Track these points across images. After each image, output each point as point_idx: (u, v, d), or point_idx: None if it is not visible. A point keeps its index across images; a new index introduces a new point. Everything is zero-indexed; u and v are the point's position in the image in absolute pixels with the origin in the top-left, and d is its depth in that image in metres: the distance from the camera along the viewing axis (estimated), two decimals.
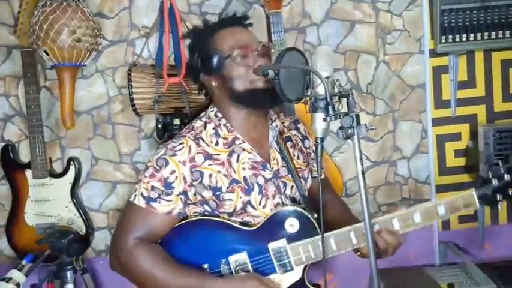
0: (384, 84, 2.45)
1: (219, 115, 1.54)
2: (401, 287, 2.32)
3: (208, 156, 1.48)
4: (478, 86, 2.47)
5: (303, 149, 1.67)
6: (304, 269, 1.48)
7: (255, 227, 1.47)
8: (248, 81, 1.47)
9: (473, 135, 2.45)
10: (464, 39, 2.33)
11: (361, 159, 1.22)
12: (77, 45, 2.03)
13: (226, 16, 1.60)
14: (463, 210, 1.40)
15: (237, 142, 1.51)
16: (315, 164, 1.69)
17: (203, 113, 1.59)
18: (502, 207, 1.39)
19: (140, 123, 2.42)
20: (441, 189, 2.49)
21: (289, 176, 1.55)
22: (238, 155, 1.50)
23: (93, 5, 2.30)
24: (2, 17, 2.34)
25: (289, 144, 1.62)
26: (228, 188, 1.47)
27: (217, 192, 1.46)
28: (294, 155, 1.61)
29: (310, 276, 1.52)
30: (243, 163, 1.49)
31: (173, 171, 1.45)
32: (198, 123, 1.55)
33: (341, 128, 1.23)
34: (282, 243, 1.46)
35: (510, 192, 1.37)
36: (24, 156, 2.34)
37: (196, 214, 1.50)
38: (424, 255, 2.50)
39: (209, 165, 1.47)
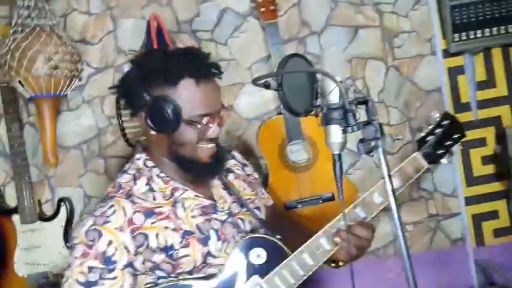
0: (397, 91, 2.36)
1: (150, 164, 1.34)
2: None
3: (148, 213, 1.28)
4: (499, 85, 2.38)
5: (246, 177, 1.52)
6: None
7: (217, 277, 1.30)
8: (196, 150, 1.29)
9: (500, 138, 2.35)
10: (479, 35, 2.25)
11: (389, 175, 1.07)
12: (55, 73, 1.91)
13: (194, 59, 1.31)
14: (416, 176, 1.40)
15: (176, 194, 1.33)
16: (262, 190, 1.58)
17: (128, 165, 1.37)
18: (448, 160, 1.42)
19: None
20: (471, 201, 2.38)
21: (244, 210, 1.40)
22: (183, 203, 1.32)
23: (74, 31, 2.23)
24: None
25: (231, 176, 1.46)
26: (181, 242, 1.28)
27: (170, 252, 1.27)
28: (240, 187, 1.46)
29: None
30: (192, 211, 1.32)
31: (110, 242, 1.23)
32: (124, 178, 1.33)
33: (362, 140, 1.07)
34: (255, 281, 1.30)
35: (447, 143, 1.40)
36: (11, 199, 2.23)
37: (148, 285, 1.29)
38: (459, 278, 2.36)
39: (152, 223, 1.27)
